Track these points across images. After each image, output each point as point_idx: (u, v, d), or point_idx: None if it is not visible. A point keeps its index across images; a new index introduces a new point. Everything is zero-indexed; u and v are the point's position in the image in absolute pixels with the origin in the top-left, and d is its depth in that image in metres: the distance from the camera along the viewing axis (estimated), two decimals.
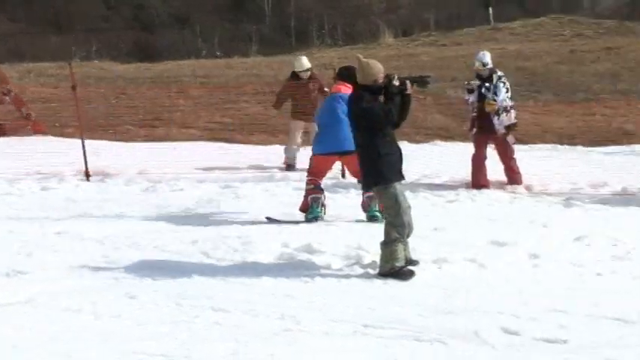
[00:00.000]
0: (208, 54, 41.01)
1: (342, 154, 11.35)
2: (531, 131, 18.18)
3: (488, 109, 13.81)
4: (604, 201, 12.85)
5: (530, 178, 14.05)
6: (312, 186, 11.61)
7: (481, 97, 13.92)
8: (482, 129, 13.95)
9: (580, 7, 50.76)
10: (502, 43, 31.60)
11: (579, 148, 17.52)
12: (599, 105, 21.22)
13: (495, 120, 13.85)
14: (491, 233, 10.49)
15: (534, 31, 34.17)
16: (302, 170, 15.17)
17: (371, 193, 10.99)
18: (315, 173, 11.68)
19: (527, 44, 30.90)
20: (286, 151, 16.01)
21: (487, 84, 13.93)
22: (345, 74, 11.21)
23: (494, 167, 14.05)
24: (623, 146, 17.29)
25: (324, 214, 11.60)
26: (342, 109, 10.72)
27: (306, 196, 11.62)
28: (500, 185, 13.91)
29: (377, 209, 11.23)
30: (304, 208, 11.58)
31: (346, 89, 10.95)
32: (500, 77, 14.04)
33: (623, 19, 36.92)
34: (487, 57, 14.17)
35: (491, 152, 14.17)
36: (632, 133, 18.32)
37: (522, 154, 14.86)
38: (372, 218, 11.30)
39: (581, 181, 13.98)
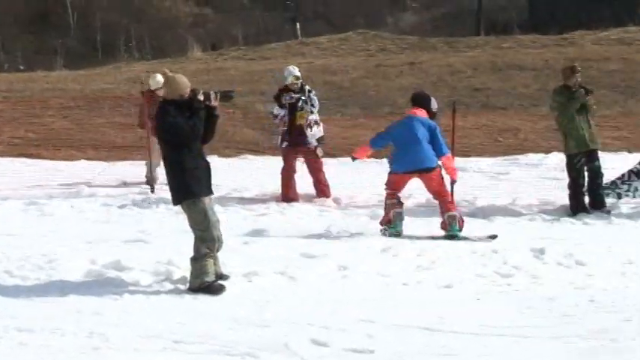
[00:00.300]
0: (11, 67, 39.88)
1: (421, 171, 11.60)
2: (339, 145, 18.44)
3: (301, 121, 13.96)
4: (409, 212, 13.15)
5: (339, 191, 14.26)
6: (393, 200, 11.75)
7: (292, 111, 14.04)
8: (292, 142, 14.07)
9: (384, 23, 51.92)
10: (309, 57, 31.99)
11: (385, 160, 17.85)
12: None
13: (309, 132, 14.03)
14: (301, 246, 10.58)
15: (341, 45, 34.73)
16: (163, 184, 14.96)
17: (452, 213, 11.48)
18: (394, 188, 11.80)
19: (334, 59, 31.37)
20: (147, 165, 15.72)
21: (302, 97, 14.09)
22: (419, 100, 12.00)
23: (303, 180, 14.20)
24: None
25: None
26: (420, 130, 11.50)
27: (387, 211, 11.71)
28: (309, 198, 14.06)
29: (457, 228, 11.47)
30: (386, 223, 11.66)
31: (421, 113, 11.70)
32: (310, 90, 14.25)
33: (425, 35, 37.99)
34: (297, 71, 14.38)
35: (301, 165, 14.32)
36: None
37: (331, 167, 15.07)
38: (453, 237, 11.40)
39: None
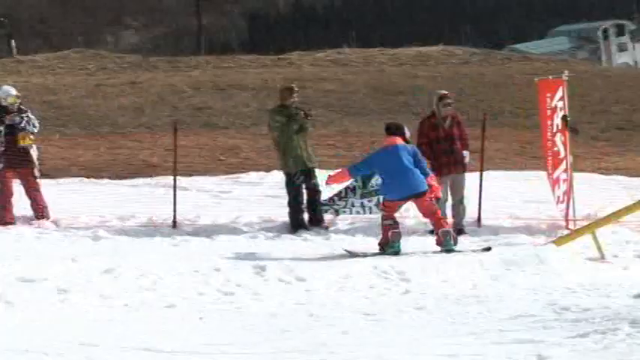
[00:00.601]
0: None
1: (416, 196, 11.98)
2: (57, 165, 18.04)
3: (26, 142, 13.60)
4: (131, 233, 13.07)
5: (58, 212, 13.94)
6: (390, 221, 11.98)
7: (13, 131, 13.62)
8: (10, 164, 13.66)
9: (104, 42, 51.39)
10: (26, 76, 31.11)
11: (106, 181, 17.63)
12: (125, 138, 21.55)
13: (33, 153, 13.72)
14: (18, 270, 10.25)
15: (59, 64, 33.98)
16: None
17: (445, 229, 11.87)
18: (390, 212, 12.05)
19: (53, 77, 30.68)
20: None
21: (25, 117, 13.71)
22: (394, 129, 12.33)
23: (21, 202, 13.80)
24: (149, 178, 17.62)
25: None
26: (406, 157, 11.91)
27: (385, 231, 11.89)
28: (26, 220, 13.68)
29: (452, 242, 11.82)
30: (384, 242, 11.84)
31: (401, 141, 12.11)
32: (25, 110, 13.89)
33: (146, 54, 37.86)
34: (15, 90, 14.01)
35: (18, 187, 13.91)
36: (156, 165, 18.74)
37: (49, 188, 14.71)
38: (449, 251, 11.73)
39: (108, 214, 14.10)
